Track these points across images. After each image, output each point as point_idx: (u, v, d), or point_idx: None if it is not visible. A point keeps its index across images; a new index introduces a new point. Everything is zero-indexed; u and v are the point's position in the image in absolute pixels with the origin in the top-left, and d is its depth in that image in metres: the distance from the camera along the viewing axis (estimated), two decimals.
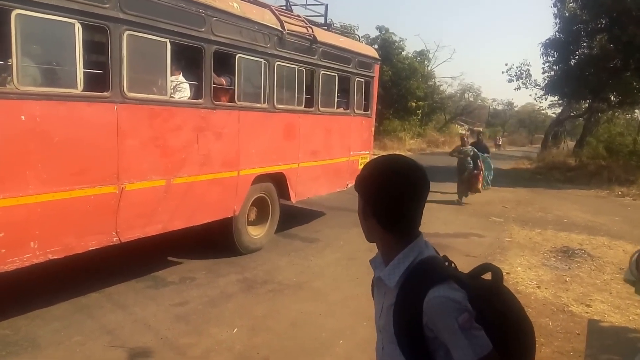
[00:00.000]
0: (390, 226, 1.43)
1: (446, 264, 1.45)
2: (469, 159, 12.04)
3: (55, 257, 4.33)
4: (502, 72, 32.30)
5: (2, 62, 4.07)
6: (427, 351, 1.34)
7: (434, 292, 1.31)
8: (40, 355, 3.91)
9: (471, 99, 54.08)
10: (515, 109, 71.26)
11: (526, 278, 6.42)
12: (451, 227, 9.27)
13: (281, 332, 4.56)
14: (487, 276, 1.48)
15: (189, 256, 6.58)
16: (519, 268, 6.78)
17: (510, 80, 27.65)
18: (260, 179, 6.90)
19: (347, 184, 8.99)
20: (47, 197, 4.18)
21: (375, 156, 1.53)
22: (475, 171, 12.03)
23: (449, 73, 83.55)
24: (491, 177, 12.76)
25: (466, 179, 12.06)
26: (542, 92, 26.44)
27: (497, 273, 1.45)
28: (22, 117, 3.99)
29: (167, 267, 6.12)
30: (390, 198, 1.40)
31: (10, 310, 4.53)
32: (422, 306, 1.31)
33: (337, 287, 5.80)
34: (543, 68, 24.13)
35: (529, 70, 27.22)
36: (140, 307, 4.88)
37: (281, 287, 5.73)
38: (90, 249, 4.62)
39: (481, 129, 27.37)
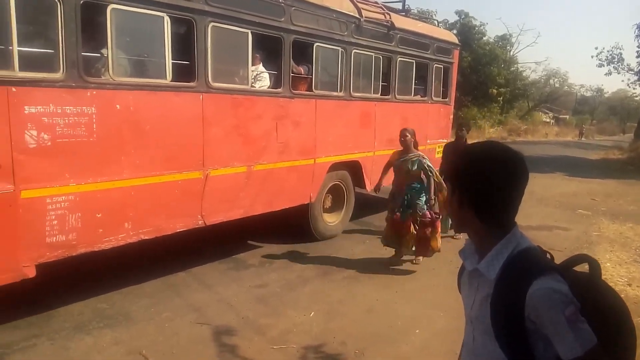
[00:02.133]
0: (489, 217, 1.38)
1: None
2: (415, 184, 5.95)
3: (146, 238, 4.63)
4: (592, 57, 30.27)
5: (98, 55, 4.39)
6: (526, 344, 1.30)
7: (538, 284, 1.26)
8: (133, 329, 4.21)
9: (557, 85, 51.11)
10: (606, 95, 66.56)
11: (616, 275, 6.03)
12: (534, 220, 8.85)
13: (357, 318, 4.61)
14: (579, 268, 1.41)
15: (268, 241, 6.79)
16: (608, 264, 6.38)
17: (600, 65, 25.99)
18: (335, 167, 6.96)
19: None
20: (139, 181, 4.47)
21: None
22: (427, 213, 5.87)
23: (533, 58, 79.12)
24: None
25: (399, 225, 5.98)
26: (635, 78, 24.54)
27: (595, 265, 1.37)
28: (117, 106, 4.28)
29: (248, 250, 6.36)
30: (492, 189, 1.34)
31: (106, 286, 4.91)
32: (524, 298, 1.27)
33: (412, 277, 5.76)
34: (638, 52, 22.33)
35: (621, 54, 25.46)
36: (223, 287, 5.11)
37: (356, 274, 5.77)
38: (178, 230, 4.90)
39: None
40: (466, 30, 31.18)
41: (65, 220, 4.02)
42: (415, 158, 5.89)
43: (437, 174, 6.03)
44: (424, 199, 5.93)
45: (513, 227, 1.40)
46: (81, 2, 3.88)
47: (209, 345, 4.00)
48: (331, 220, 7.29)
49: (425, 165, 5.87)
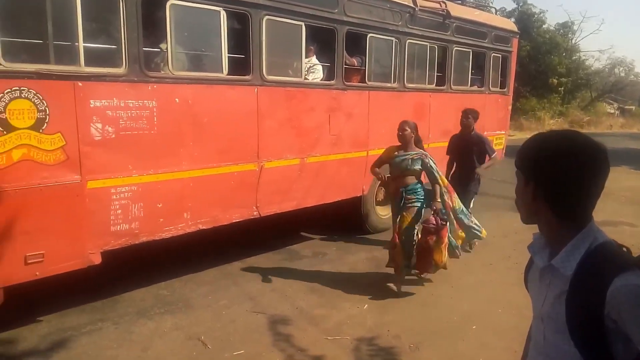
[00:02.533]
0: (565, 211, 1.30)
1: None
2: (412, 185, 4.98)
3: (204, 228, 4.76)
4: None
5: (158, 50, 4.53)
6: (605, 343, 1.22)
7: (621, 281, 1.18)
8: (192, 315, 4.34)
9: (622, 75, 48.26)
10: None
11: None
12: (598, 215, 8.19)
13: (411, 312, 4.55)
14: None
15: (321, 233, 6.82)
16: None
17: None
18: None
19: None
20: (197, 172, 4.59)
21: (540, 133, 1.36)
22: (432, 218, 4.95)
23: (597, 46, 75.05)
24: (473, 224, 5.29)
25: (406, 238, 4.95)
26: None
27: None
28: (176, 99, 4.40)
29: (301, 242, 6.41)
30: (571, 182, 1.26)
31: (167, 274, 5.09)
32: (605, 296, 1.18)
33: (469, 272, 5.61)
34: None
35: None
36: (277, 278, 5.18)
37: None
38: (234, 221, 5.00)
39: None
40: (525, 18, 29.97)
41: (128, 209, 4.18)
42: (417, 157, 4.93)
43: (442, 176, 5.13)
44: (421, 202, 4.95)
45: (590, 221, 1.32)
46: None
47: (265, 334, 4.06)
48: (384, 214, 7.21)
49: (429, 166, 4.92)
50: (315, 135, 5.70)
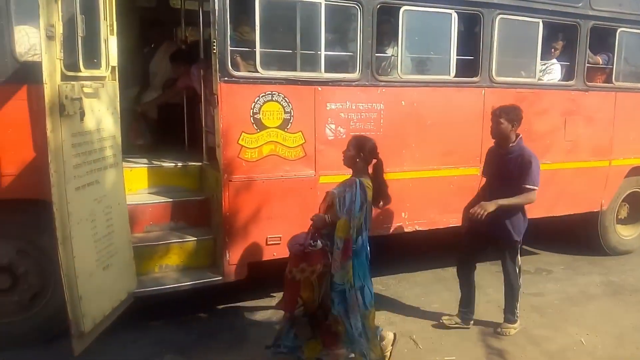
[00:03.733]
0: None
1: None
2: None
3: (420, 229, 4.82)
4: None
5: (388, 55, 4.73)
6: None
7: None
8: (404, 313, 4.44)
9: None
10: None
11: None
12: None
13: None
14: None
15: (545, 248, 6.26)
16: None
17: None
18: (636, 171, 5.95)
19: None
20: (418, 174, 4.69)
21: None
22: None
23: None
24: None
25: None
26: None
27: None
28: (402, 102, 4.54)
29: (523, 256, 5.93)
30: None
31: (382, 270, 5.26)
32: None
33: None
34: None
35: None
36: (494, 290, 4.93)
37: None
38: (451, 225, 4.93)
39: None
40: None
41: None
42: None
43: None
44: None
45: None
46: (378, 6, 4.25)
47: (477, 345, 3.93)
48: (626, 234, 6.27)
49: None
50: (547, 141, 5.25)
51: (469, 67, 4.84)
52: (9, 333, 3.60)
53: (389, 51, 4.73)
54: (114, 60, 3.59)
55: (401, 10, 4.35)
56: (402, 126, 4.56)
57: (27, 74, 3.30)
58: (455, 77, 4.70)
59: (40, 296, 3.69)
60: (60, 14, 2.91)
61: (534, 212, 5.32)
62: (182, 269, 4.13)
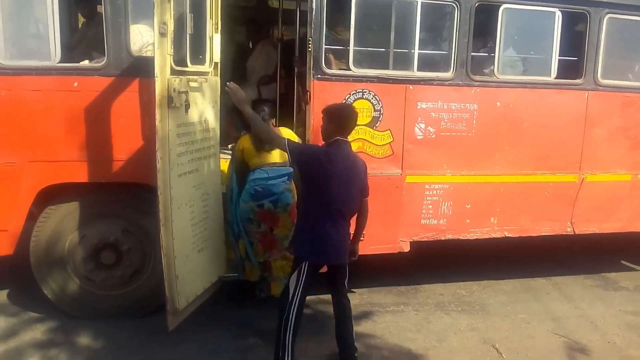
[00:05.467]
0: None
1: None
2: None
3: (510, 235, 4.65)
4: None
5: (485, 54, 4.59)
6: None
7: None
8: (488, 320, 4.30)
9: None
10: None
11: None
12: None
13: None
14: None
15: None
16: None
17: None
18: None
19: None
20: (510, 178, 4.52)
21: None
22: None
23: None
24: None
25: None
26: None
27: None
28: (498, 103, 4.41)
29: (620, 271, 5.57)
30: None
31: (466, 275, 5.15)
32: None
33: None
34: None
35: None
36: (587, 304, 4.65)
37: None
38: (543, 234, 4.73)
39: None
40: None
41: (438, 206, 4.43)
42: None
43: None
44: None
45: None
46: (476, 4, 4.15)
47: None
48: None
49: None
50: None
51: (572, 68, 4.59)
52: (110, 305, 3.94)
53: (486, 50, 4.59)
54: (217, 56, 3.80)
55: (501, 8, 4.21)
56: (496, 128, 4.42)
57: (139, 68, 3.59)
58: (556, 78, 4.47)
59: (139, 273, 3.99)
60: (172, 12, 3.14)
61: (637, 224, 5.00)
62: None
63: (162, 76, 3.13)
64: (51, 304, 3.92)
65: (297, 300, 3.18)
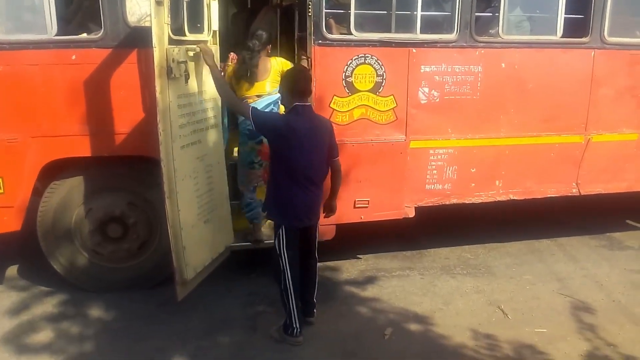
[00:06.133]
0: None
1: None
2: None
3: (515, 198, 4.64)
4: None
5: (489, 14, 4.48)
6: None
7: None
8: (494, 282, 4.34)
9: None
10: None
11: None
12: None
13: None
14: None
15: None
16: None
17: None
18: None
19: None
20: (515, 140, 4.48)
21: None
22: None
23: None
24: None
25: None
26: None
27: None
28: (502, 65, 4.33)
29: (626, 231, 5.58)
30: None
31: (471, 239, 5.17)
32: None
33: None
34: None
35: None
36: (592, 264, 4.68)
37: None
38: (548, 196, 4.71)
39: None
40: None
41: (443, 170, 4.41)
42: None
43: None
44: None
45: None
46: None
47: (570, 319, 3.77)
48: None
49: None
50: None
51: (578, 26, 4.47)
52: (119, 277, 3.99)
53: (491, 10, 4.47)
54: (215, 24, 3.72)
55: None
56: (500, 90, 4.36)
57: (137, 39, 3.52)
58: (562, 37, 4.38)
59: (147, 245, 4.02)
60: None
61: None
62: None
63: (161, 46, 3.08)
64: (60, 277, 3.97)
65: (287, 265, 3.28)
